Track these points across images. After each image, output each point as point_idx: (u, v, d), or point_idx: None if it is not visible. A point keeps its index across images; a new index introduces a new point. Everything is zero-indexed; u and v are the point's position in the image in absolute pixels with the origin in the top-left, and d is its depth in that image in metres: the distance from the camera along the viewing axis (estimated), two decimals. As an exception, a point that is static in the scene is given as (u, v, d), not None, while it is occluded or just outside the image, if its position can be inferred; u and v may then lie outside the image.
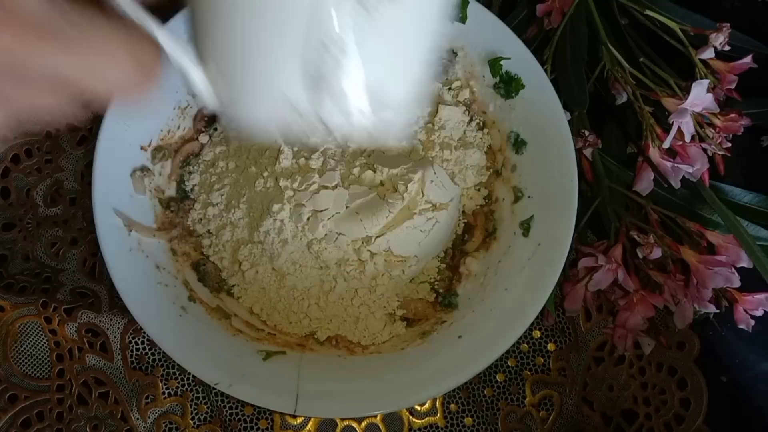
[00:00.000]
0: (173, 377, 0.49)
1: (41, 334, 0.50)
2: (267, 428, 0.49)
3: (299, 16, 0.22)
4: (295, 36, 0.22)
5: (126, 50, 0.23)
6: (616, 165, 0.50)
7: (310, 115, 0.24)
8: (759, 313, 0.45)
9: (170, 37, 0.24)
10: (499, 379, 0.50)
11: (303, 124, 0.24)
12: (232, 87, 0.25)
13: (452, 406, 0.50)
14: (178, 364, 0.48)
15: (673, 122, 0.46)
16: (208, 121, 0.52)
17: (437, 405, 0.50)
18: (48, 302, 0.50)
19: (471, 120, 0.51)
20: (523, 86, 0.49)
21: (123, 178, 0.47)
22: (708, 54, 0.49)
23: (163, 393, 0.49)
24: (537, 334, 0.51)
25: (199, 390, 0.49)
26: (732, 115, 0.48)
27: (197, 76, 0.25)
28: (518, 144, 0.50)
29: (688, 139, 0.47)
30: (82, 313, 0.50)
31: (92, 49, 0.22)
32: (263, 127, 0.25)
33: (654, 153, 0.48)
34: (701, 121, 0.48)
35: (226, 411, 0.49)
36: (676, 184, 0.47)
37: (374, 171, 0.46)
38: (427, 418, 0.50)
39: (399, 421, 0.49)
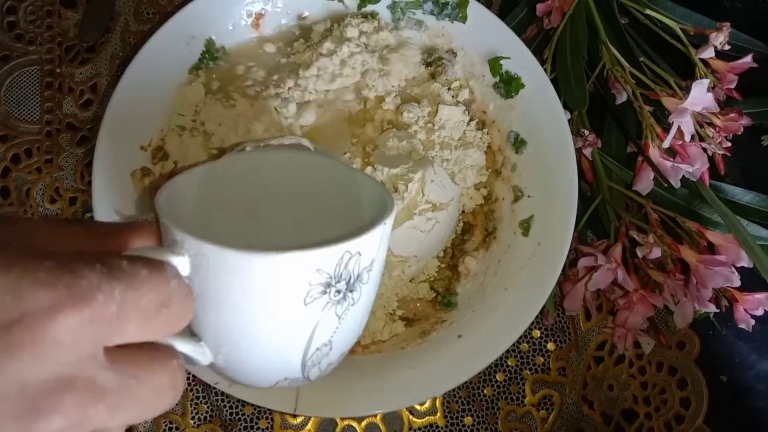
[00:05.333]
0: (173, 377, 0.49)
1: (41, 334, 0.49)
2: (267, 428, 0.49)
3: (302, 342, 0.28)
4: (299, 351, 0.28)
5: (170, 383, 0.24)
6: (616, 164, 0.50)
7: (300, 380, 0.30)
8: (759, 312, 0.45)
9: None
10: (499, 379, 0.50)
11: (291, 384, 0.30)
12: (232, 366, 0.29)
13: (452, 405, 0.50)
14: (178, 364, 0.48)
15: (673, 122, 0.46)
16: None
17: (437, 404, 0.50)
18: (48, 302, 0.50)
19: (471, 120, 0.51)
20: (523, 86, 0.49)
21: (123, 177, 0.47)
22: (708, 53, 0.49)
23: (163, 392, 0.49)
24: (537, 333, 0.51)
25: (199, 389, 0.49)
26: (732, 115, 0.48)
27: (195, 352, 0.27)
28: (518, 143, 0.50)
29: (688, 138, 0.47)
30: (82, 313, 0.50)
31: (150, 396, 0.23)
32: (251, 385, 0.30)
33: (654, 152, 0.48)
34: (701, 120, 0.48)
35: (226, 410, 0.49)
36: (676, 183, 0.47)
37: (374, 170, 0.46)
38: (427, 418, 0.50)
39: (399, 420, 0.49)
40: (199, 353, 0.27)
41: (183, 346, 0.26)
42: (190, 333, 0.28)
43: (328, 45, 0.49)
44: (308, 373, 0.29)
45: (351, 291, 0.28)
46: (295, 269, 0.26)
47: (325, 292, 0.27)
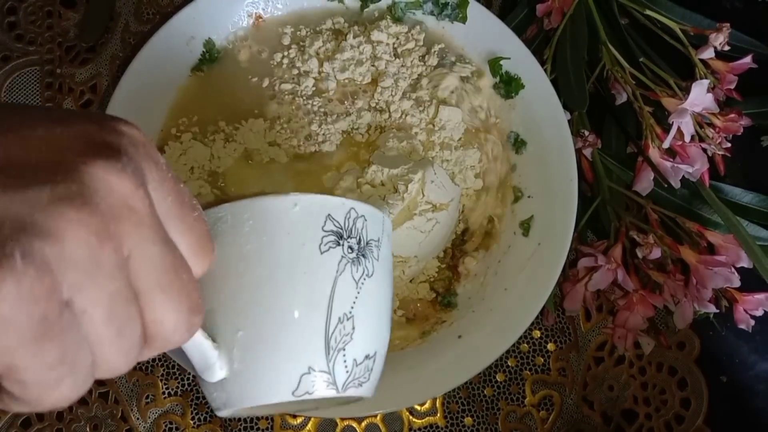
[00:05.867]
0: (173, 377, 0.49)
1: (41, 334, 0.49)
2: (267, 428, 0.49)
3: (323, 302, 0.28)
4: (321, 317, 0.28)
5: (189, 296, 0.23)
6: (616, 165, 0.50)
7: (326, 377, 0.28)
8: (759, 313, 0.45)
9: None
10: (499, 379, 0.50)
11: (315, 384, 0.28)
12: (251, 360, 0.27)
13: (452, 405, 0.50)
14: (178, 364, 0.48)
15: (672, 122, 0.46)
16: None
17: (437, 405, 0.50)
18: (48, 302, 0.50)
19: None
20: (522, 86, 0.49)
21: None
22: (708, 54, 0.49)
23: (163, 393, 0.49)
24: (537, 334, 0.51)
25: (199, 390, 0.49)
26: (732, 115, 0.48)
27: (208, 348, 0.27)
28: (518, 144, 0.50)
29: (687, 139, 0.47)
30: (82, 313, 0.50)
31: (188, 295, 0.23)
32: (271, 396, 0.28)
33: (654, 153, 0.48)
34: (701, 121, 0.48)
35: (226, 411, 0.49)
36: (676, 184, 0.47)
37: (374, 171, 0.46)
38: (427, 418, 0.50)
39: (399, 420, 0.49)
40: (212, 350, 0.27)
41: (199, 346, 0.26)
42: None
43: (352, 36, 0.49)
44: (333, 363, 0.28)
45: (364, 256, 0.30)
46: (307, 211, 0.28)
47: (338, 243, 0.29)
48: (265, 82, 0.50)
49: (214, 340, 0.27)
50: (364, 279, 0.29)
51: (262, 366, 0.28)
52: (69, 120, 0.21)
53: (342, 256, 0.29)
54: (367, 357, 0.30)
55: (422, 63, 0.50)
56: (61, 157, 0.20)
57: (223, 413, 0.29)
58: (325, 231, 0.28)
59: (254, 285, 0.28)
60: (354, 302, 0.29)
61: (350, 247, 0.29)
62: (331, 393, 0.28)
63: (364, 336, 0.29)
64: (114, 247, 0.20)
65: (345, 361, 0.29)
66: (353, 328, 0.29)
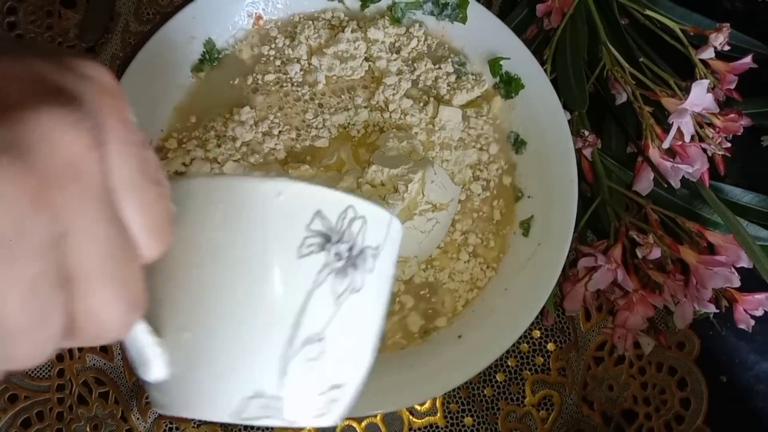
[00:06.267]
0: (173, 377, 0.49)
1: (41, 334, 0.50)
2: (267, 428, 0.49)
3: (289, 317, 0.23)
4: (282, 334, 0.23)
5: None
6: (616, 165, 0.50)
7: (274, 403, 0.24)
8: (759, 313, 0.45)
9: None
10: (499, 379, 0.50)
11: (259, 411, 0.24)
12: (191, 368, 0.24)
13: (452, 405, 0.50)
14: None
15: (672, 122, 0.46)
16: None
17: (437, 405, 0.50)
18: (48, 302, 0.50)
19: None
20: (523, 86, 0.49)
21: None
22: (708, 54, 0.49)
23: (164, 393, 0.49)
24: (537, 333, 0.51)
25: (200, 390, 0.49)
26: (732, 115, 0.48)
27: (147, 345, 0.23)
28: (518, 144, 0.50)
29: (687, 139, 0.47)
30: (82, 313, 0.50)
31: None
32: (208, 415, 0.24)
33: (654, 153, 0.48)
34: (701, 121, 0.48)
35: (227, 411, 0.49)
36: (676, 184, 0.47)
37: (374, 171, 0.46)
38: (427, 418, 0.50)
39: (399, 420, 0.49)
40: (151, 346, 0.23)
41: (135, 339, 0.23)
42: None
43: (350, 30, 0.50)
44: (287, 390, 0.24)
45: (354, 266, 0.25)
46: (292, 203, 0.23)
47: (323, 248, 0.24)
48: (259, 77, 0.50)
49: (157, 333, 0.24)
50: (347, 295, 0.25)
51: (201, 379, 0.24)
52: (21, 54, 0.17)
53: (325, 265, 0.24)
54: (334, 386, 0.25)
55: (437, 68, 0.50)
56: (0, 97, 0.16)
57: (165, 413, 0.24)
58: (309, 231, 0.23)
59: (209, 282, 0.23)
60: (329, 323, 0.24)
61: (338, 254, 0.24)
62: (276, 423, 0.24)
63: (334, 363, 0.25)
64: (49, 219, 0.16)
65: (303, 390, 0.24)
66: (322, 352, 0.24)
